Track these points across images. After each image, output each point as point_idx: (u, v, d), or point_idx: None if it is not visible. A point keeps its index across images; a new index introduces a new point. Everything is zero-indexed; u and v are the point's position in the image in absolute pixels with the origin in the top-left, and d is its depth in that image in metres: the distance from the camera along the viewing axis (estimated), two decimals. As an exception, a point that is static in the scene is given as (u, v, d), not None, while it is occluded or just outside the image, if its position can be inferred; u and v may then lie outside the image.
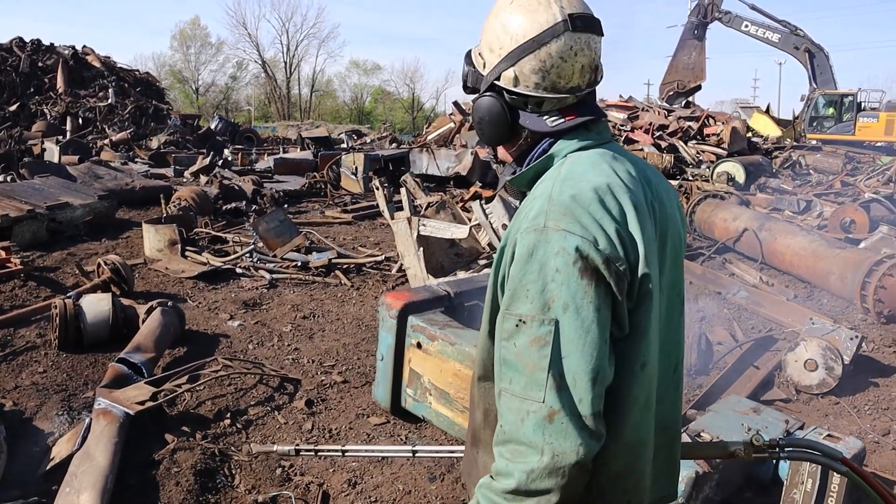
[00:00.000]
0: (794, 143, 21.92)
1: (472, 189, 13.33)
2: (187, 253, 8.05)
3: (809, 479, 3.57)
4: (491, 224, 5.83)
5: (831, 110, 22.59)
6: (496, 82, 1.57)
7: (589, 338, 1.33)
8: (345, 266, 8.05)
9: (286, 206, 11.97)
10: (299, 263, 7.94)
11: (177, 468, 3.76)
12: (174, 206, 10.09)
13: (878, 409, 4.96)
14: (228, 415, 4.46)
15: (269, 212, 9.82)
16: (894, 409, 4.96)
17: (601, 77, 1.58)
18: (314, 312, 6.61)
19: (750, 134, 22.82)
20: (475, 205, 6.05)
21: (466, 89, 1.66)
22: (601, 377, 1.34)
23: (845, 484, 3.56)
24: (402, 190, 7.13)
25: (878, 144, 22.06)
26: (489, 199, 6.52)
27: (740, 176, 16.03)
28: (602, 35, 1.55)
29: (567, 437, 1.31)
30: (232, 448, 4.12)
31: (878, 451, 4.40)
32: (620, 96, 25.53)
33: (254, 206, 11.62)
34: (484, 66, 1.60)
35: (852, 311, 6.95)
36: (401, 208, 6.79)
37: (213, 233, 9.27)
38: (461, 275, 6.25)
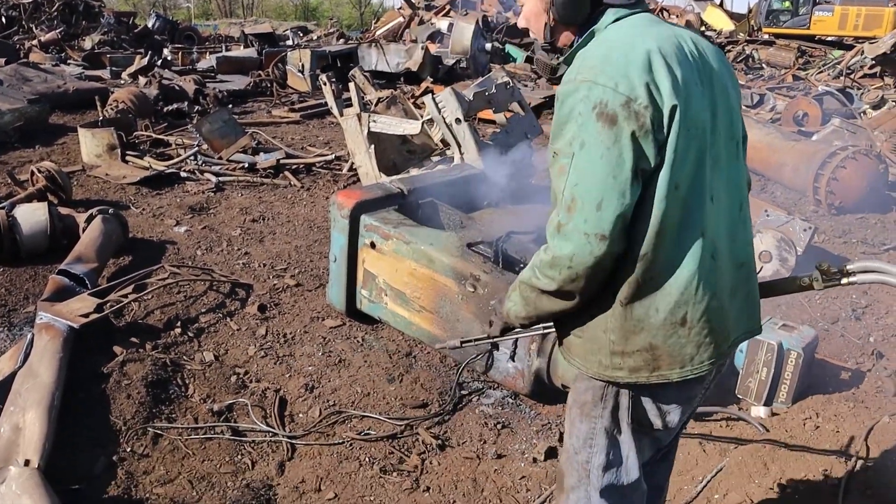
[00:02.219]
0: (748, 38, 21.72)
1: (424, 84, 12.98)
2: (128, 158, 7.67)
3: (765, 368, 3.62)
4: (444, 118, 5.59)
5: (787, 4, 22.25)
6: None
7: (597, 169, 1.62)
8: (294, 167, 7.80)
9: (231, 105, 11.48)
10: (246, 165, 7.66)
11: (127, 380, 3.64)
12: (111, 109, 9.53)
13: (827, 298, 5.05)
14: (179, 324, 4.33)
15: (213, 112, 9.37)
16: (843, 298, 5.05)
17: None
18: (264, 215, 6.41)
19: (703, 27, 22.54)
20: (427, 99, 5.78)
21: None
22: (607, 204, 1.61)
23: (799, 372, 3.62)
24: (351, 85, 6.82)
25: (830, 39, 22.01)
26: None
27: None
28: None
29: (567, 243, 1.67)
30: (184, 357, 4.01)
31: (827, 338, 4.50)
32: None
33: (196, 107, 11.08)
34: None
35: (805, 202, 7.01)
36: (350, 105, 6.51)
37: (155, 136, 8.83)
38: (414, 172, 6.08)
